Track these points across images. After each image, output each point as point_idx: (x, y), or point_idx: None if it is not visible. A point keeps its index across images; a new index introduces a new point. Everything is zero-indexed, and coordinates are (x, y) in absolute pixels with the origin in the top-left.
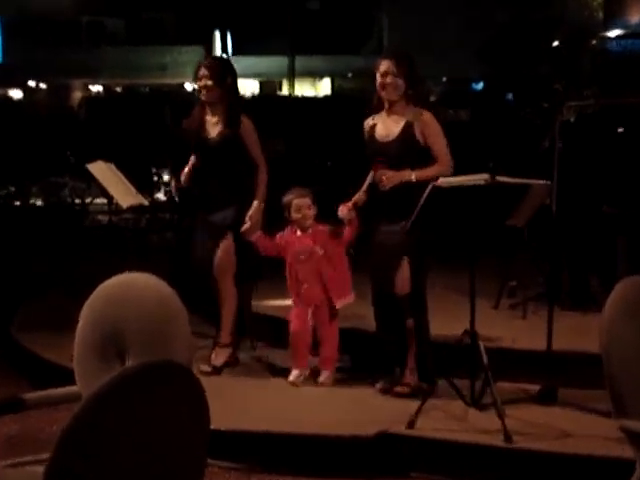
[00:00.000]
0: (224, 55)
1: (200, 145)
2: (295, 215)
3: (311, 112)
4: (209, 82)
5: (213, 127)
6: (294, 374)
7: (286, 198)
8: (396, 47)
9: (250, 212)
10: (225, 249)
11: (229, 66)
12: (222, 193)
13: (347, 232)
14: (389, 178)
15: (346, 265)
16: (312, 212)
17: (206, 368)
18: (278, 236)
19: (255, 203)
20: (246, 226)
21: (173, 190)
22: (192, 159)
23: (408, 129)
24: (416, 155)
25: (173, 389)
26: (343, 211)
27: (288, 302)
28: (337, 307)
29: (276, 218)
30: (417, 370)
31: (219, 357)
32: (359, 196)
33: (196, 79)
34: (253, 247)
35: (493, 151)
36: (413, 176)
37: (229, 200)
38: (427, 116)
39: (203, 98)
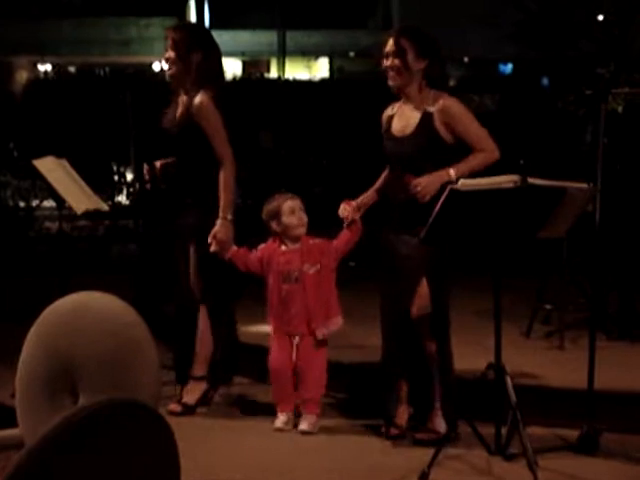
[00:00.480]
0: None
1: (164, 134)
2: (288, 219)
3: (305, 99)
4: (171, 54)
5: (177, 112)
6: (280, 419)
7: (270, 205)
8: (406, 21)
9: (214, 230)
10: (193, 265)
11: (201, 36)
12: (182, 193)
13: (344, 237)
14: (426, 187)
15: (333, 282)
16: (306, 218)
17: (176, 408)
18: (260, 249)
19: (219, 219)
20: (213, 248)
21: (146, 175)
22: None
23: (426, 121)
24: (439, 154)
25: (135, 433)
26: (346, 209)
27: (267, 328)
28: (318, 336)
29: (256, 225)
30: (447, 410)
31: (192, 394)
32: (368, 196)
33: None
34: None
35: (525, 147)
36: (452, 172)
37: (190, 202)
38: (448, 102)
39: (167, 76)
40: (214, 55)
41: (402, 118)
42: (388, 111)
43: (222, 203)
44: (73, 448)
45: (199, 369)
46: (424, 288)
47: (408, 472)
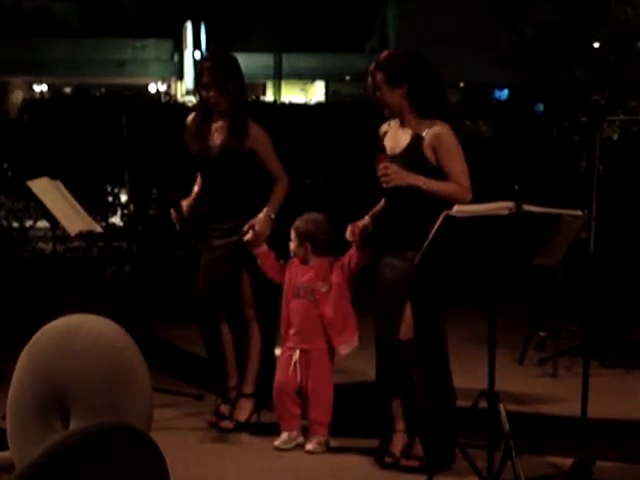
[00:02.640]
0: (198, 54)
1: (202, 158)
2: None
3: (301, 123)
4: (211, 93)
5: (217, 137)
6: (282, 438)
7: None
8: (402, 45)
9: (254, 220)
10: (244, 280)
11: (235, 66)
12: (225, 216)
13: (354, 256)
14: (396, 172)
15: (348, 299)
16: (291, 244)
17: (228, 424)
18: (285, 263)
19: (264, 211)
20: (248, 236)
21: (174, 219)
22: (197, 182)
23: (415, 143)
24: (426, 176)
25: (126, 457)
26: (354, 233)
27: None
28: (341, 353)
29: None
30: (428, 438)
31: (243, 411)
32: (368, 219)
33: (198, 86)
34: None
35: (520, 173)
36: (422, 182)
37: (234, 224)
38: (440, 129)
39: (210, 105)
40: (242, 82)
41: (394, 138)
42: (384, 127)
43: (271, 203)
44: (63, 472)
45: (249, 387)
46: (408, 313)
47: None
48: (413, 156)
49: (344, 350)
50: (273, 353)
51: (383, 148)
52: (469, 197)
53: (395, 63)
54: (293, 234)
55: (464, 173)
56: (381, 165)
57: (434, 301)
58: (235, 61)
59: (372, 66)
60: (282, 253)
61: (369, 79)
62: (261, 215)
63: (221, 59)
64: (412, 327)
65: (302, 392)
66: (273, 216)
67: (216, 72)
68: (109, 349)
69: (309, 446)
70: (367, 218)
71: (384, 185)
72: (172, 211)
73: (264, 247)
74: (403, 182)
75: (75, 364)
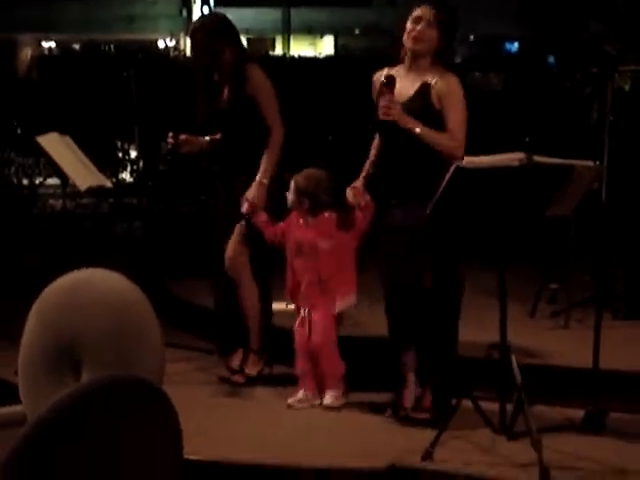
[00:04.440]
0: (206, 9)
1: (212, 116)
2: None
3: (310, 76)
4: (207, 60)
5: (226, 93)
6: (298, 396)
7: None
8: None
9: (248, 191)
10: (235, 238)
11: (225, 29)
12: (234, 168)
13: (360, 220)
14: (396, 109)
15: (353, 261)
16: (292, 198)
17: (240, 379)
18: (284, 222)
19: (256, 179)
20: (244, 207)
21: (169, 143)
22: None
23: (424, 91)
24: (430, 122)
25: (138, 409)
26: (356, 196)
27: (286, 306)
28: (337, 309)
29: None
30: (437, 390)
31: (253, 366)
32: (367, 171)
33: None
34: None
35: (530, 125)
36: (419, 129)
37: (244, 178)
38: (451, 80)
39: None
40: (238, 38)
41: (399, 84)
42: (380, 73)
43: (262, 167)
44: (74, 425)
45: (257, 342)
46: (427, 261)
47: (412, 451)
48: (420, 103)
49: (339, 307)
50: (271, 308)
51: (392, 81)
52: (461, 153)
53: (447, 10)
54: (292, 187)
55: (461, 127)
56: (387, 96)
57: (452, 252)
58: (224, 23)
59: (429, 3)
60: (285, 212)
61: (419, 11)
62: (253, 185)
63: (209, 29)
64: (429, 275)
65: (312, 347)
66: (266, 182)
67: (208, 44)
68: (119, 303)
69: (326, 401)
70: (368, 166)
71: (382, 117)
72: (170, 133)
73: (263, 216)
74: (402, 121)
75: (85, 318)
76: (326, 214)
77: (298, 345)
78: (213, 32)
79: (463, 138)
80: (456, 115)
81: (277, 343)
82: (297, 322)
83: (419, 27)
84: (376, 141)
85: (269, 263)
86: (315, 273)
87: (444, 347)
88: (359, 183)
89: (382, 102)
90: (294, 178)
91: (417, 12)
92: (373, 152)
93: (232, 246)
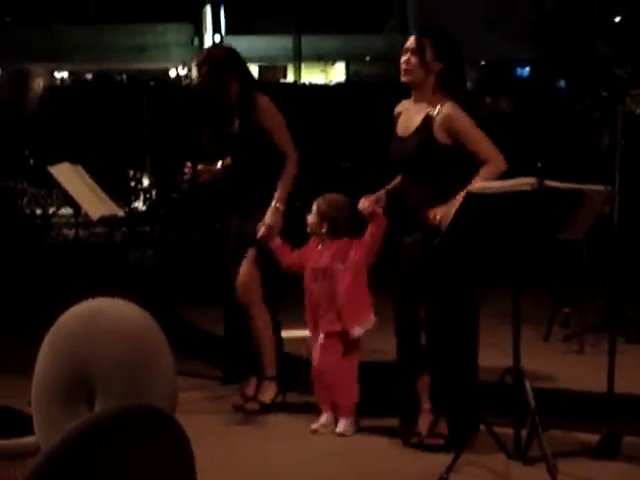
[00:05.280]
0: (217, 38)
1: (222, 142)
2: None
3: (322, 103)
4: (214, 91)
5: (234, 120)
6: (321, 421)
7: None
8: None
9: (266, 216)
10: (247, 264)
11: (231, 60)
12: (246, 196)
13: (368, 231)
14: (443, 216)
15: (364, 280)
16: (312, 220)
17: (254, 406)
18: (301, 249)
19: (272, 204)
20: (260, 233)
21: (187, 173)
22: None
23: (426, 124)
24: (436, 156)
25: (151, 438)
26: (365, 203)
27: (301, 333)
28: (354, 335)
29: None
30: (453, 416)
31: (267, 393)
32: (380, 195)
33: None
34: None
35: (542, 150)
36: (462, 198)
37: (253, 204)
38: (449, 110)
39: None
40: (244, 67)
41: (407, 118)
42: (398, 108)
43: (278, 193)
44: (87, 455)
45: (270, 369)
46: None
47: (427, 477)
48: (424, 137)
49: (357, 331)
50: (280, 335)
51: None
52: (504, 166)
53: (445, 39)
54: (315, 210)
55: (489, 147)
56: (431, 217)
57: (465, 278)
58: (229, 54)
59: (419, 30)
60: (299, 240)
61: (411, 41)
62: (269, 210)
63: (214, 61)
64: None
65: (327, 375)
66: (282, 207)
67: (213, 75)
68: (132, 332)
69: (339, 428)
70: (382, 193)
71: (444, 230)
72: (188, 163)
73: (277, 240)
74: (449, 215)
75: (98, 347)
76: (344, 240)
77: (315, 371)
78: (218, 64)
79: (497, 151)
80: (474, 136)
81: (290, 370)
82: (314, 348)
83: (405, 58)
84: (397, 179)
85: (280, 290)
86: (331, 298)
87: (461, 372)
88: (374, 195)
89: (432, 222)
90: (317, 201)
91: (406, 43)
92: (391, 186)
93: (244, 271)
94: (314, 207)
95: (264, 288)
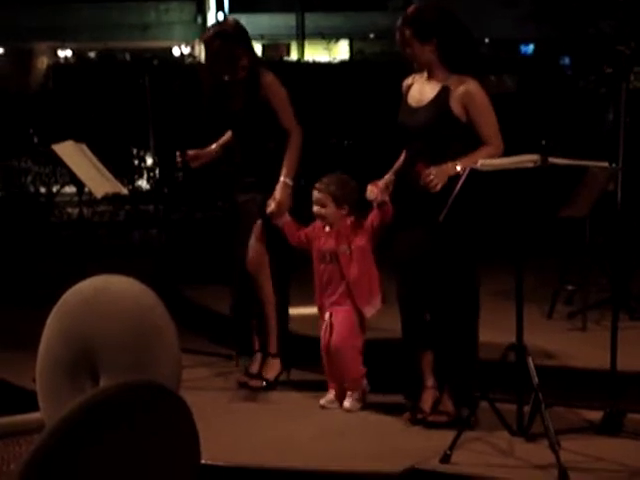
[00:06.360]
0: (220, 16)
1: (227, 118)
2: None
3: (325, 81)
4: (225, 66)
5: (238, 95)
6: (328, 397)
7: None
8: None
9: (276, 191)
10: (255, 239)
11: (241, 34)
12: (250, 172)
13: (374, 216)
14: (437, 174)
15: (372, 261)
16: (325, 211)
17: (258, 383)
18: (310, 226)
19: (280, 180)
20: (270, 208)
21: (178, 164)
22: (227, 135)
23: (443, 95)
24: (449, 129)
25: (155, 414)
26: (373, 191)
27: (309, 310)
28: (367, 315)
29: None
30: (456, 393)
31: (271, 370)
32: (389, 177)
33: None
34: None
35: (545, 127)
36: (459, 167)
37: (258, 180)
38: (471, 85)
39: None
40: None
41: (420, 90)
42: (408, 80)
43: (285, 168)
44: (92, 430)
45: (273, 346)
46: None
47: (430, 454)
48: (439, 108)
49: (369, 312)
50: (288, 313)
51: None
52: (501, 153)
53: (423, 18)
54: (329, 200)
55: (495, 131)
56: (424, 174)
57: (465, 257)
58: (241, 29)
59: (400, 22)
60: (305, 216)
61: (397, 35)
62: (278, 186)
63: (227, 35)
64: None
65: (332, 351)
66: (290, 182)
67: (226, 50)
68: (135, 308)
69: (345, 404)
70: (389, 176)
71: (432, 191)
72: (177, 152)
73: (287, 217)
74: (444, 177)
75: (103, 324)
76: (346, 221)
77: (323, 348)
78: (232, 38)
79: (500, 139)
80: (486, 119)
81: (295, 348)
82: (323, 326)
83: (407, 50)
84: (403, 155)
85: (288, 267)
86: (339, 278)
87: (464, 350)
88: (382, 180)
89: (423, 181)
90: (320, 191)
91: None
92: (398, 164)
93: (253, 246)
94: (327, 199)
95: (272, 265)
